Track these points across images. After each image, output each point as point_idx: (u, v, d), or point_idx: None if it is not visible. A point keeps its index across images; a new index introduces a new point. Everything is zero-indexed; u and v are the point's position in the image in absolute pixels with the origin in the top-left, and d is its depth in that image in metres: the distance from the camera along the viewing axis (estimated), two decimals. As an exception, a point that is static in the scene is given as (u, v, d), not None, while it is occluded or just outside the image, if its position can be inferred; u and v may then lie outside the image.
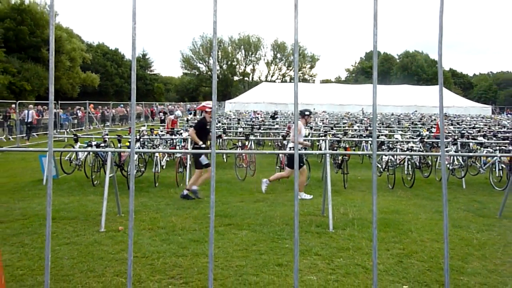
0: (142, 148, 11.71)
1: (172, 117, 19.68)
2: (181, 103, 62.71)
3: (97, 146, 10.86)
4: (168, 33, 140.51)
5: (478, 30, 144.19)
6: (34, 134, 24.26)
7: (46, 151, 10.34)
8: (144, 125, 20.64)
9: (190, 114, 37.90)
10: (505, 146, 12.31)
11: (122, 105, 41.29)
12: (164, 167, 12.04)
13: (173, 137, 13.17)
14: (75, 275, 4.94)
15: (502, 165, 11.09)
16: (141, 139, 11.99)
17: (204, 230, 6.71)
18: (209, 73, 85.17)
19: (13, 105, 23.48)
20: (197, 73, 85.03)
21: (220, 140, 16.60)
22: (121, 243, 6.05)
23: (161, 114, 31.05)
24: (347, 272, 5.10)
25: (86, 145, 11.18)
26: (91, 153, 10.72)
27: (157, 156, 10.81)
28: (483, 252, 5.89)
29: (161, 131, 15.18)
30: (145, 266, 5.24)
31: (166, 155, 12.56)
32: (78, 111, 31.70)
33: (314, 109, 40.70)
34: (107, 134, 12.15)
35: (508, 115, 49.13)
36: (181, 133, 13.64)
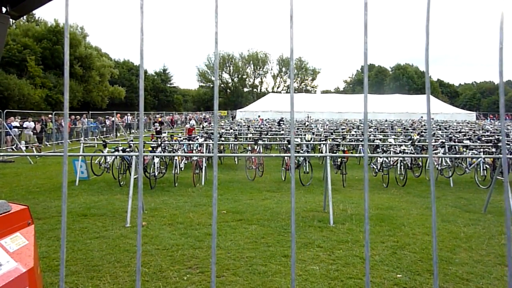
0: (163, 152, 11.76)
1: (188, 126, 19.77)
2: (198, 112, 62.90)
3: (123, 151, 10.92)
4: (185, 49, 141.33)
5: (463, 44, 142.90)
6: (68, 140, 24.54)
7: (77, 156, 10.39)
8: (165, 132, 20.73)
9: (206, 122, 38.00)
10: (489, 149, 12.16)
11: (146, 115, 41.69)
12: (182, 169, 12.07)
13: (191, 142, 13.21)
14: (104, 266, 4.95)
15: (486, 165, 10.94)
16: (162, 144, 12.03)
17: (218, 225, 6.70)
18: (222, 85, 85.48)
19: (50, 115, 23.74)
20: (211, 85, 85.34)
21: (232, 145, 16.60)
22: (144, 237, 6.06)
23: (156, 124, 24.34)
24: (346, 263, 5.05)
25: (113, 150, 11.25)
26: (118, 157, 10.79)
27: (176, 159, 10.84)
28: (470, 244, 5.81)
29: (180, 137, 15.24)
30: (166, 257, 5.24)
31: (184, 158, 12.59)
32: (106, 120, 31.95)
33: (310, 117, 40.57)
34: (132, 140, 12.22)
35: (491, 120, 48.51)
36: (197, 139, 13.67)
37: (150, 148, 11.25)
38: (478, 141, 14.79)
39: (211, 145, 14.30)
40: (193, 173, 10.45)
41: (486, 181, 10.57)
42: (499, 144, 12.05)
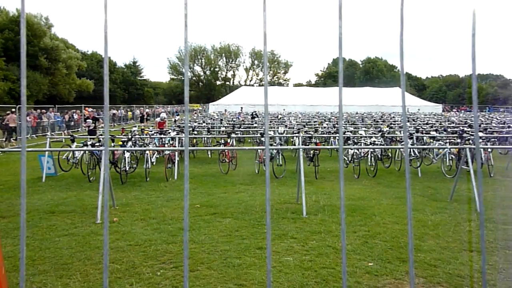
0: (134, 147, 11.53)
1: (158, 119, 19.40)
2: (169, 105, 62.00)
3: (92, 145, 10.63)
4: (156, 41, 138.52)
5: (430, 38, 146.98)
6: (34, 135, 23.67)
7: (43, 151, 10.03)
8: (135, 126, 20.31)
9: (177, 115, 37.56)
10: (454, 139, 12.60)
11: (114, 108, 40.66)
12: (154, 163, 11.88)
13: (162, 136, 13.01)
14: (74, 264, 4.82)
15: (452, 155, 11.35)
16: (132, 139, 11.79)
17: (192, 219, 6.64)
18: (194, 78, 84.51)
19: (13, 109, 22.78)
20: (183, 78, 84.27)
21: (205, 138, 16.49)
22: (116, 233, 5.94)
23: (89, 121, 18.14)
24: (319, 253, 5.12)
25: (82, 145, 10.92)
26: (86, 152, 10.49)
27: (147, 153, 10.66)
28: (437, 231, 6.01)
29: (151, 131, 14.98)
30: (139, 253, 5.15)
31: (156, 152, 12.39)
32: (74, 114, 30.98)
33: (285, 110, 40.95)
34: (101, 134, 11.90)
35: (457, 112, 50.32)
36: (169, 133, 13.48)
37: (121, 143, 11.00)
38: (444, 132, 15.31)
39: (183, 139, 14.15)
40: (165, 168, 10.30)
41: (452, 170, 10.96)
42: (464, 135, 12.53)
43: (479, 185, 0.80)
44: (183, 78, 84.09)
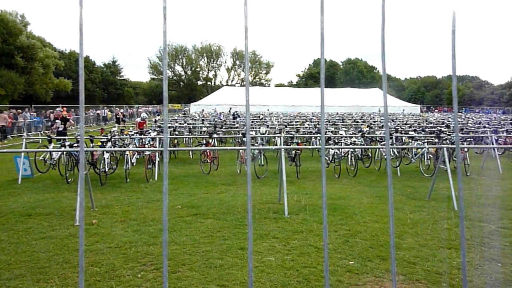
0: (114, 147, 11.34)
1: (138, 119, 19.11)
2: (150, 105, 61.27)
3: (71, 146, 10.40)
4: (136, 41, 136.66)
5: (409, 40, 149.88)
6: (9, 136, 22.99)
7: (19, 152, 9.74)
8: (115, 126, 19.98)
9: (158, 115, 37.17)
10: (432, 139, 12.88)
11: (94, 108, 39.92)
12: (134, 164, 11.72)
13: (142, 136, 12.84)
14: (52, 267, 4.70)
15: (430, 155, 11.60)
16: (112, 139, 11.59)
17: (173, 220, 6.58)
18: (175, 77, 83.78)
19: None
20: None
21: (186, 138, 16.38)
22: (95, 235, 5.83)
23: (57, 121, 16.32)
24: (301, 252, 5.15)
25: (59, 145, 10.67)
26: (64, 153, 10.26)
27: (127, 154, 10.50)
28: (416, 229, 6.13)
29: (131, 131, 14.77)
30: (118, 255, 5.07)
31: (136, 153, 12.22)
32: (51, 114, 30.24)
33: (268, 110, 41.16)
34: (79, 135, 11.67)
35: (434, 112, 51.46)
36: (150, 133, 13.32)
37: (100, 143, 10.80)
38: (422, 132, 15.63)
39: (164, 139, 14.02)
40: (145, 168, 10.17)
41: (430, 170, 11.19)
42: (441, 135, 12.82)
43: (458, 181, 0.82)
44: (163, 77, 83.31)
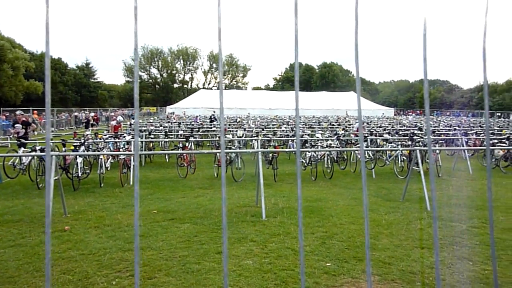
0: (87, 151, 11.08)
1: (114, 123, 18.75)
2: (125, 109, 60.20)
3: (41, 150, 10.09)
4: (110, 43, 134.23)
5: (383, 45, 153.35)
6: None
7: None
8: (88, 130, 19.53)
9: (133, 118, 36.56)
10: (405, 141, 13.20)
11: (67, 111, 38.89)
12: (109, 168, 11.47)
13: (117, 140, 12.61)
14: (21, 276, 4.53)
15: (403, 157, 11.87)
16: (85, 143, 11.32)
17: (149, 225, 6.47)
18: (151, 80, 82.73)
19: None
20: (139, 80, 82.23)
21: (162, 142, 16.19)
22: (67, 242, 5.66)
23: (17, 126, 14.69)
24: (279, 255, 5.16)
25: (30, 150, 10.34)
26: (35, 157, 9.94)
27: (101, 158, 10.28)
28: (391, 230, 6.25)
29: (105, 135, 14.47)
30: (92, 262, 4.94)
31: (111, 157, 11.97)
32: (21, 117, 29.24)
33: (249, 113, 41.35)
34: (51, 139, 11.33)
35: (407, 115, 52.74)
36: (124, 136, 13.09)
37: (72, 147, 10.53)
38: (396, 135, 15.99)
39: (139, 143, 13.80)
40: (120, 173, 9.98)
41: (404, 171, 11.46)
42: (414, 137, 13.14)
43: (431, 181, 0.83)
44: (139, 80, 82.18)
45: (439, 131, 18.73)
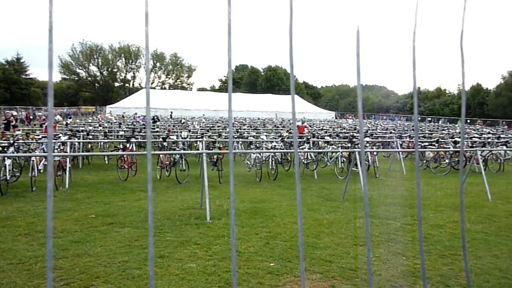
0: (17, 153, 10.32)
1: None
2: (61, 108, 56.83)
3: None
4: (45, 37, 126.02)
5: (325, 50, 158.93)
6: None
7: None
8: (19, 130, 18.18)
9: (70, 118, 34.72)
10: (345, 144, 13.78)
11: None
12: (41, 171, 10.76)
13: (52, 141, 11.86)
14: None
15: (343, 158, 12.39)
16: (15, 144, 10.53)
17: (86, 230, 6.16)
18: (90, 78, 78.88)
19: None
20: (76, 78, 78.01)
21: (102, 142, 15.54)
22: (-7, 251, 5.22)
23: None
24: (223, 257, 5.14)
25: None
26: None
27: (33, 160, 9.62)
28: (331, 229, 6.48)
29: (38, 135, 13.56)
30: (22, 272, 4.59)
31: (44, 159, 11.23)
32: None
33: (203, 115, 41.08)
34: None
35: (348, 119, 55.10)
36: (59, 137, 12.36)
37: (0, 148, 9.75)
38: (337, 138, 16.64)
39: (76, 143, 13.11)
40: (54, 175, 9.40)
41: (344, 172, 11.95)
42: (354, 140, 13.75)
43: (362, 179, 0.88)
44: (76, 78, 78.02)
45: (376, 134, 19.78)
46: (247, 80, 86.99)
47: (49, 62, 0.65)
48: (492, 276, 4.70)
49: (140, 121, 28.05)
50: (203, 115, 41.27)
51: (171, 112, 38.77)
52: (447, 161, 13.22)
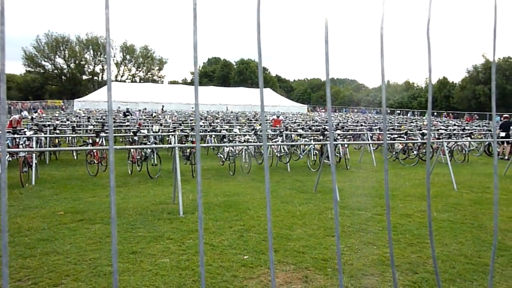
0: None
1: (17, 117, 16.94)
2: (26, 102, 54.75)
3: None
4: (8, 28, 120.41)
5: (297, 44, 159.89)
6: None
7: None
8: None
9: (35, 112, 33.49)
10: (317, 136, 13.96)
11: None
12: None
13: (16, 136, 11.42)
14: None
15: (316, 151, 12.55)
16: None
17: (54, 228, 5.99)
18: (56, 71, 76.21)
19: None
20: (42, 71, 75.21)
21: (70, 137, 15.14)
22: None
23: None
24: (196, 251, 5.12)
25: None
26: None
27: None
28: (304, 220, 6.57)
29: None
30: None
31: (8, 155, 10.80)
32: None
33: (192, 108, 40.63)
34: None
35: (320, 112, 55.79)
36: (25, 132, 11.92)
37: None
38: (309, 130, 16.83)
39: (42, 138, 12.68)
40: (20, 172, 9.07)
41: (316, 165, 12.11)
42: (325, 133, 13.96)
43: (332, 171, 0.89)
44: (42, 70, 75.20)
45: (347, 126, 20.13)
46: (219, 73, 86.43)
47: (1, 46, 0.63)
48: (457, 262, 4.91)
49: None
50: (192, 108, 40.93)
51: (163, 106, 38.30)
52: (415, 152, 13.64)
